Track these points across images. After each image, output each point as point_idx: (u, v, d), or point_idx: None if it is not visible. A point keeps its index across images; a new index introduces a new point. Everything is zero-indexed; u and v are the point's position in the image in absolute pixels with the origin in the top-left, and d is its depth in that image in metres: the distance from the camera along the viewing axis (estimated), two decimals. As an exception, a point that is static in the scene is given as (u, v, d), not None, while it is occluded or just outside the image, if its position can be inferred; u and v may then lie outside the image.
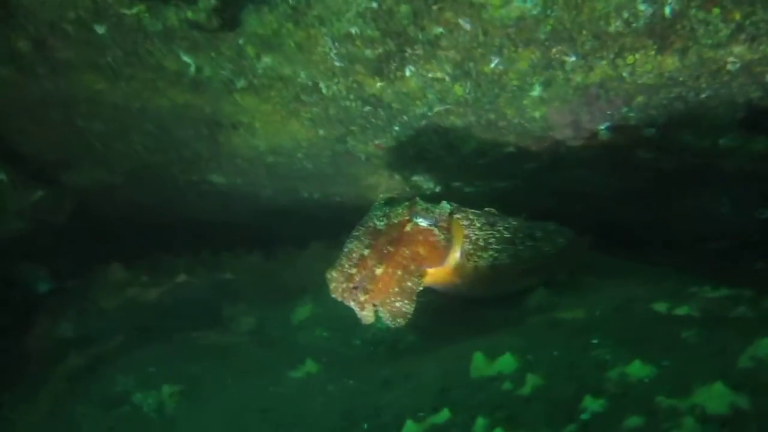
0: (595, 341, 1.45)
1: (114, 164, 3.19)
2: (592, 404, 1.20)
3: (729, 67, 1.87)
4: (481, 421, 1.25)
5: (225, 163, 3.19)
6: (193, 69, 2.21)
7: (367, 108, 2.37)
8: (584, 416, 1.18)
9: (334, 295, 1.81)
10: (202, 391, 1.88)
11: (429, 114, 2.34)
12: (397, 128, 2.55)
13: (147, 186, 3.52)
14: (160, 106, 2.54)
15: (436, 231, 1.92)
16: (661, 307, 1.75)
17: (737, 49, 1.81)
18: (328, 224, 3.14)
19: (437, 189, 3.15)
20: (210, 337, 2.34)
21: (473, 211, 2.09)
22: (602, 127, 2.22)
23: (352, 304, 1.79)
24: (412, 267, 1.84)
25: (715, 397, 1.10)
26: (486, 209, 2.15)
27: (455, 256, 1.97)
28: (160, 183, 3.48)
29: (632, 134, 2.26)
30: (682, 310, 1.70)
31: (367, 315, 1.78)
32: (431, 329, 2.10)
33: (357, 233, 1.91)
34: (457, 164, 2.80)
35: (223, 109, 2.53)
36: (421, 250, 1.88)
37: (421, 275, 1.86)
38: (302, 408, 1.61)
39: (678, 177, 2.73)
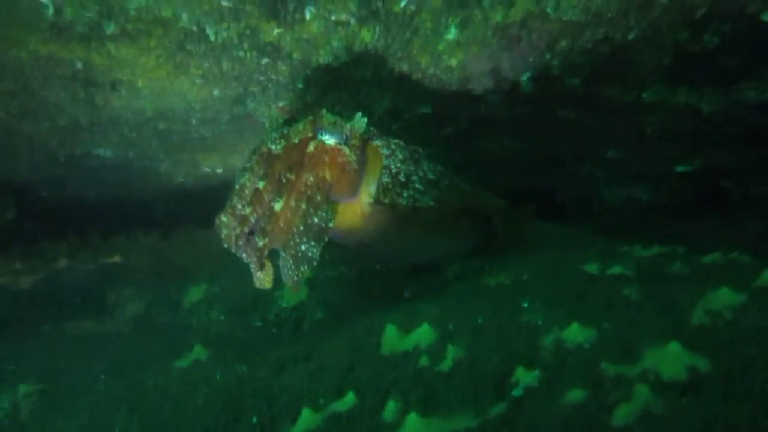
0: (525, 304, 1.25)
1: (-28, 134, 2.75)
2: (525, 377, 0.98)
3: (660, -1, 1.70)
4: (391, 405, 1.02)
5: (110, 132, 2.83)
6: (51, 10, 1.85)
7: (265, 60, 2.09)
8: (516, 392, 0.97)
9: (226, 245, 1.46)
10: (64, 389, 1.57)
11: (335, 65, 2.08)
12: (300, 85, 2.28)
13: (20, 161, 3.09)
14: (18, 59, 2.16)
15: (345, 150, 1.56)
16: (592, 268, 1.58)
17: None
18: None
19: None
20: (85, 326, 2.01)
21: (396, 141, 1.78)
22: (524, 77, 2.03)
23: (247, 256, 1.44)
24: (318, 197, 1.49)
25: (670, 360, 0.91)
26: (412, 146, 1.85)
27: (369, 189, 1.64)
28: (37, 158, 3.06)
29: (555, 86, 2.09)
30: (615, 270, 1.53)
31: (263, 277, 1.42)
32: (342, 304, 1.86)
33: (249, 163, 1.54)
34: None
35: (96, 63, 2.18)
36: (328, 174, 1.52)
37: (330, 208, 1.51)
38: (182, 401, 1.33)
39: (597, 138, 2.63)
